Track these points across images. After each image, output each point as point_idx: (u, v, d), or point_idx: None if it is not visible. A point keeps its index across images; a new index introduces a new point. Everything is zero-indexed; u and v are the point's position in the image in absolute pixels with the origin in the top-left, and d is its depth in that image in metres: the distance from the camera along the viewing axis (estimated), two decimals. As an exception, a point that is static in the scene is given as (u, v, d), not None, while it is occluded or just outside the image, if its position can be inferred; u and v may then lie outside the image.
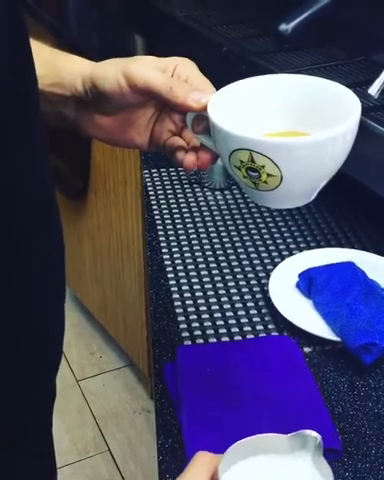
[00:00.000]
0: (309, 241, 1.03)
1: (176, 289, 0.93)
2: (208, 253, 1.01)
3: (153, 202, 1.13)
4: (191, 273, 0.97)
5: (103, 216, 1.78)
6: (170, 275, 0.96)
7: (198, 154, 0.62)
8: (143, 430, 1.84)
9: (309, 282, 0.90)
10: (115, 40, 1.67)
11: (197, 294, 0.93)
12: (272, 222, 1.08)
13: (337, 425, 0.73)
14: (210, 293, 0.93)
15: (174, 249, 1.01)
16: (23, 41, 0.48)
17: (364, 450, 0.71)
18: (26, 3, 1.82)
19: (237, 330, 0.87)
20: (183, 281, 0.95)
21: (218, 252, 1.01)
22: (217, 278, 0.96)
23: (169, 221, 1.08)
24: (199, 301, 0.91)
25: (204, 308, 0.90)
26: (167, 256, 1.00)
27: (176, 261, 0.99)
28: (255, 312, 0.90)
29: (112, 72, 0.60)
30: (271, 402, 0.74)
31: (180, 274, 0.96)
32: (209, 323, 0.88)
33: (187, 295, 0.92)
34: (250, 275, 0.96)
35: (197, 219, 1.09)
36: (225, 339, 0.85)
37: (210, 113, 0.57)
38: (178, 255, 1.00)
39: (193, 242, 1.03)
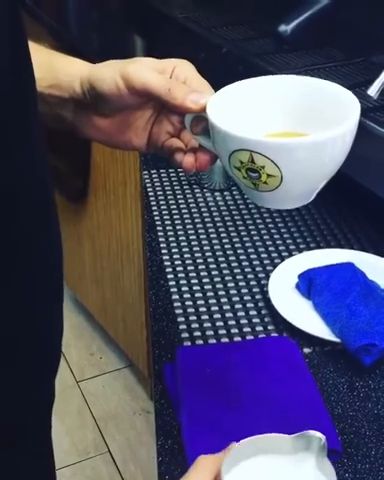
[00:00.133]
0: (309, 242, 1.03)
1: (176, 290, 0.93)
2: (208, 254, 1.01)
3: (153, 203, 1.13)
4: (191, 274, 0.97)
5: (103, 217, 1.78)
6: (170, 276, 0.96)
7: (197, 155, 0.62)
8: (143, 431, 1.84)
9: (309, 283, 0.90)
10: (115, 41, 1.67)
11: (197, 295, 0.93)
12: (272, 223, 1.08)
13: (337, 426, 0.73)
14: (210, 294, 0.93)
15: (174, 250, 1.01)
16: (22, 41, 0.48)
17: (364, 451, 0.71)
18: (25, 3, 1.82)
19: (237, 331, 0.87)
20: (183, 282, 0.95)
21: (218, 253, 1.01)
22: (217, 279, 0.96)
23: (169, 222, 1.08)
24: (199, 302, 0.91)
25: (204, 309, 0.90)
26: (167, 257, 1.00)
27: (176, 262, 0.99)
28: (255, 313, 0.90)
29: (110, 74, 0.60)
30: (271, 403, 0.74)
31: (180, 275, 0.96)
32: (209, 324, 0.88)
33: (187, 296, 0.92)
34: (250, 276, 0.96)
35: (197, 220, 1.09)
36: (225, 340, 0.85)
37: (209, 114, 0.57)
38: (178, 256, 1.00)
39: (193, 243, 1.03)
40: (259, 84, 0.61)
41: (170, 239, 1.04)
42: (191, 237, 1.04)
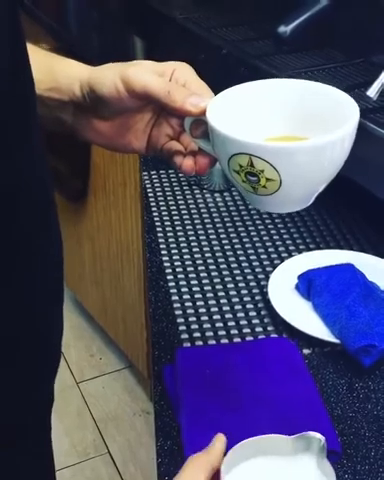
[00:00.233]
0: (308, 243, 1.03)
1: (175, 291, 0.93)
2: (207, 255, 1.01)
3: (152, 204, 1.13)
4: (190, 275, 0.97)
5: (103, 218, 1.78)
6: (169, 277, 0.96)
7: (196, 158, 0.62)
8: (143, 432, 1.83)
9: (308, 284, 0.90)
10: (114, 42, 1.67)
11: (196, 296, 0.93)
12: (271, 224, 1.08)
13: (336, 427, 0.73)
14: (209, 295, 0.93)
15: (173, 251, 1.01)
16: (20, 42, 0.48)
17: (363, 452, 0.71)
18: (24, 4, 1.82)
19: (236, 332, 0.87)
20: (182, 283, 0.95)
21: (217, 254, 1.01)
22: (216, 280, 0.96)
23: (168, 223, 1.08)
24: (198, 303, 0.91)
25: (203, 310, 0.90)
26: (166, 258, 1.00)
27: (175, 263, 0.99)
28: (254, 314, 0.90)
29: (110, 77, 0.60)
30: (270, 404, 0.74)
31: (179, 276, 0.96)
32: (208, 325, 0.88)
33: (186, 297, 0.92)
34: (249, 277, 0.96)
35: (196, 221, 1.09)
36: (224, 341, 0.85)
37: (209, 117, 0.57)
38: (177, 257, 1.00)
39: (192, 244, 1.03)
40: (258, 88, 0.61)
41: (170, 240, 1.04)
42: (191, 238, 1.04)
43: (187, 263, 0.99)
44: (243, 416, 0.73)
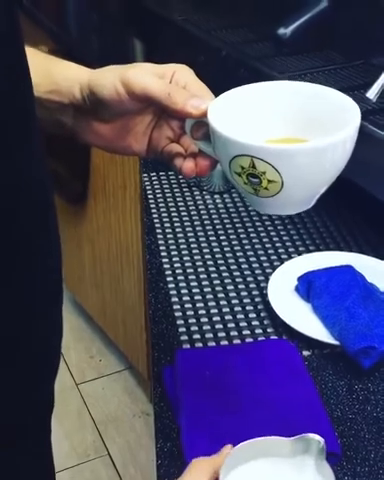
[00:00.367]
0: (308, 245, 1.03)
1: (175, 293, 0.93)
2: (207, 257, 1.01)
3: (152, 206, 1.13)
4: (190, 277, 0.97)
5: (102, 220, 1.78)
6: (169, 279, 0.96)
7: (197, 160, 0.62)
8: (142, 433, 1.83)
9: (308, 286, 0.90)
10: (114, 44, 1.67)
11: (196, 298, 0.93)
12: (271, 226, 1.08)
13: (336, 429, 0.73)
14: (209, 297, 0.93)
15: (173, 253, 1.01)
16: (19, 42, 0.48)
17: (363, 454, 0.71)
18: (23, 6, 1.82)
19: (236, 334, 0.87)
20: (182, 285, 0.95)
21: (217, 256, 1.01)
22: (216, 282, 0.96)
23: (168, 225, 1.08)
24: (198, 305, 0.91)
25: (203, 312, 0.90)
26: (166, 260, 1.00)
27: (175, 265, 0.99)
28: (254, 316, 0.90)
29: (110, 79, 0.60)
30: (270, 406, 0.74)
31: (179, 278, 0.96)
32: (208, 327, 0.88)
33: (186, 299, 0.92)
34: (249, 278, 0.96)
35: (196, 223, 1.09)
36: (224, 343, 0.85)
37: (210, 119, 0.57)
38: (177, 259, 1.00)
39: (192, 246, 1.03)
40: (260, 90, 0.61)
41: (169, 242, 1.04)
42: (190, 240, 1.05)
43: (187, 265, 0.99)
44: (243, 418, 0.73)
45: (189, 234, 1.06)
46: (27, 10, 1.82)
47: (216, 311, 0.90)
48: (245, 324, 0.88)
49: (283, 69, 1.19)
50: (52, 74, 0.63)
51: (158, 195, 1.16)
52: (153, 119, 0.64)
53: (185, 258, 1.00)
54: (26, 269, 0.54)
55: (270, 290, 0.91)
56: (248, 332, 0.87)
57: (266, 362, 0.80)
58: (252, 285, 0.95)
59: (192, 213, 1.11)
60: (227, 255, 1.01)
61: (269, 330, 0.87)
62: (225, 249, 1.02)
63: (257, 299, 0.93)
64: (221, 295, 0.93)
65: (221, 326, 0.88)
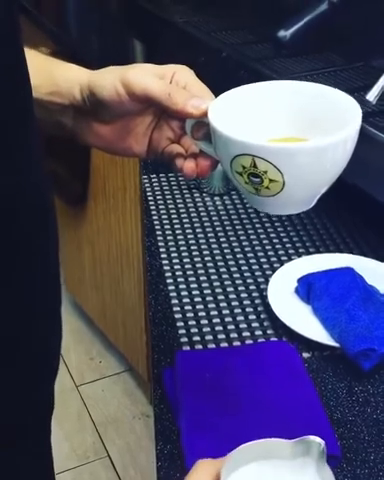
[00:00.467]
0: (308, 246, 1.03)
1: (175, 294, 0.93)
2: (207, 258, 1.01)
3: (152, 208, 1.13)
4: (190, 278, 0.97)
5: (102, 222, 1.78)
6: (169, 280, 0.96)
7: (197, 161, 0.62)
8: (142, 435, 1.83)
9: (308, 287, 0.90)
10: (115, 46, 1.67)
11: (196, 299, 0.93)
12: (271, 227, 1.08)
13: (336, 431, 0.73)
14: (209, 298, 0.93)
15: (173, 254, 1.01)
16: (19, 42, 0.48)
17: (363, 456, 0.71)
18: (24, 7, 1.82)
19: (236, 335, 0.87)
20: (182, 286, 0.95)
21: (217, 257, 1.01)
22: (216, 283, 0.96)
23: (168, 226, 1.08)
24: (198, 306, 0.91)
25: (203, 313, 0.90)
26: (166, 261, 1.00)
27: (175, 266, 0.99)
28: (254, 317, 0.90)
29: (110, 80, 0.60)
30: (270, 408, 0.74)
31: (179, 279, 0.96)
32: (208, 328, 0.88)
33: (186, 300, 0.92)
34: (249, 280, 0.96)
35: (196, 224, 1.09)
36: (224, 344, 0.85)
37: (211, 119, 0.57)
38: (177, 260, 1.00)
39: (192, 247, 1.03)
40: (260, 89, 0.61)
41: (169, 244, 1.04)
42: (190, 242, 1.05)
43: (187, 266, 0.99)
44: (243, 420, 0.73)
45: (189, 236, 1.06)
46: (28, 12, 1.82)
47: (216, 313, 0.90)
48: (245, 326, 0.88)
49: (283, 71, 1.19)
50: (53, 76, 0.63)
51: (158, 197, 1.16)
52: (153, 120, 0.64)
53: (185, 260, 1.00)
54: (26, 269, 0.54)
55: (270, 292, 0.91)
56: (248, 334, 0.87)
57: (266, 364, 0.80)
58: (252, 287, 0.95)
59: (192, 215, 1.11)
60: (227, 257, 1.01)
61: (269, 332, 0.87)
62: (225, 251, 1.02)
63: (257, 301, 0.93)
64: (221, 297, 0.93)
65: (221, 328, 0.88)
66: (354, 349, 0.79)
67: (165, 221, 1.09)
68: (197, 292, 0.94)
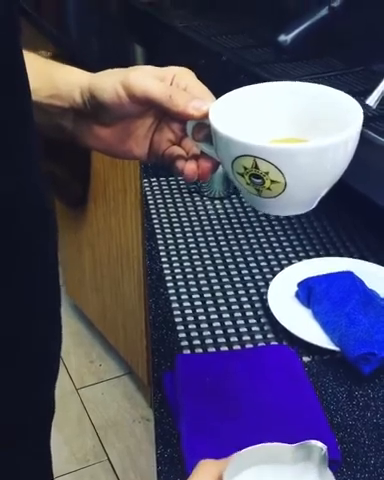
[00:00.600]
0: (308, 250, 1.03)
1: (175, 298, 0.93)
2: (207, 262, 1.01)
3: (153, 211, 1.13)
4: (190, 282, 0.97)
5: (103, 225, 1.78)
6: (169, 284, 0.96)
7: (199, 163, 0.62)
8: (142, 439, 1.83)
9: (308, 291, 0.90)
10: (115, 50, 1.68)
11: (196, 303, 0.93)
12: (271, 231, 1.08)
13: (336, 435, 0.73)
14: (209, 302, 0.93)
15: (173, 258, 1.01)
16: (18, 43, 0.49)
17: (363, 460, 0.70)
18: (24, 9, 1.82)
19: (236, 339, 0.87)
20: (182, 290, 0.95)
21: (217, 261, 1.01)
22: (216, 287, 0.96)
23: (168, 230, 1.08)
24: (198, 310, 0.91)
25: (203, 317, 0.90)
26: (166, 265, 1.00)
27: (175, 270, 0.99)
28: (254, 321, 0.90)
29: (110, 82, 0.60)
30: (270, 412, 0.74)
31: (179, 283, 0.96)
32: (208, 332, 0.88)
33: (186, 304, 0.92)
34: (249, 284, 0.96)
35: (196, 228, 1.09)
36: (224, 348, 0.85)
37: (212, 120, 0.57)
38: (177, 264, 1.00)
39: (192, 251, 1.03)
40: (261, 90, 0.61)
41: (170, 247, 1.04)
42: (191, 245, 1.05)
43: (187, 270, 0.99)
44: (243, 424, 0.72)
45: (189, 240, 1.06)
46: (27, 14, 1.82)
47: (216, 317, 0.90)
48: (245, 330, 0.88)
49: (283, 75, 1.19)
50: (53, 79, 0.63)
51: (159, 201, 1.16)
52: (154, 122, 0.64)
53: (185, 264, 1.00)
54: (26, 269, 0.54)
55: (270, 296, 0.91)
56: (248, 338, 0.87)
57: (266, 368, 0.80)
58: (252, 291, 0.95)
59: (192, 219, 1.11)
60: (227, 261, 1.01)
61: (269, 336, 0.87)
62: (225, 255, 1.02)
63: (257, 305, 0.93)
64: (221, 300, 0.93)
65: (221, 332, 0.88)
66: (354, 353, 0.79)
67: (165, 225, 1.09)
68: (197, 296, 0.94)
